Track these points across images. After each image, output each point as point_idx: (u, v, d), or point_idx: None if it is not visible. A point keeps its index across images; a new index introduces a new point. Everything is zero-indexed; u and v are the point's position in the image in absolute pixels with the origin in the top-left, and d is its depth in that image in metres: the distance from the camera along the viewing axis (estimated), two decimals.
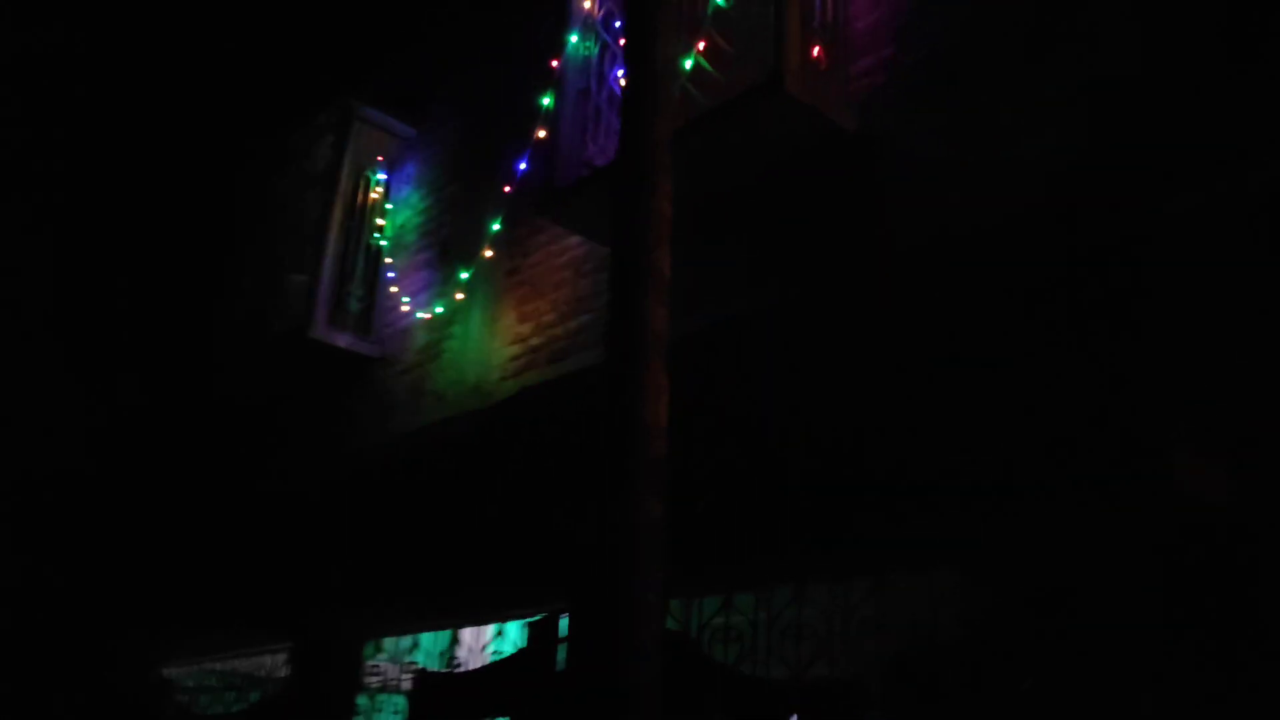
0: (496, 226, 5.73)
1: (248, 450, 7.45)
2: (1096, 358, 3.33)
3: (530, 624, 5.22)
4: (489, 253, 5.83)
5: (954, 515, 3.61)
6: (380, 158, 7.31)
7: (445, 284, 6.54)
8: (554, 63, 5.47)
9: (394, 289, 6.68)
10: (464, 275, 5.95)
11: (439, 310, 6.36)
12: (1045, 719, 3.23)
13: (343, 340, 6.80)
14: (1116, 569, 3.16)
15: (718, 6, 4.78)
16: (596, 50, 5.41)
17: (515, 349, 5.88)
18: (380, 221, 7.11)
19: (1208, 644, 2.95)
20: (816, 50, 4.52)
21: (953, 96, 4.21)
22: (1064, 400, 3.36)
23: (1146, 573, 3.05)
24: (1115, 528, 3.20)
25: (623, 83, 5.10)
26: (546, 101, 5.44)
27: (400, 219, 7.15)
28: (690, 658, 4.28)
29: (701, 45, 4.78)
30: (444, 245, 6.67)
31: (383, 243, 6.98)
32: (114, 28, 8.24)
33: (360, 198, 7.16)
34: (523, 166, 5.59)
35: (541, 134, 5.48)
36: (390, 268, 6.90)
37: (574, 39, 5.45)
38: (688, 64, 4.78)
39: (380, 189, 7.23)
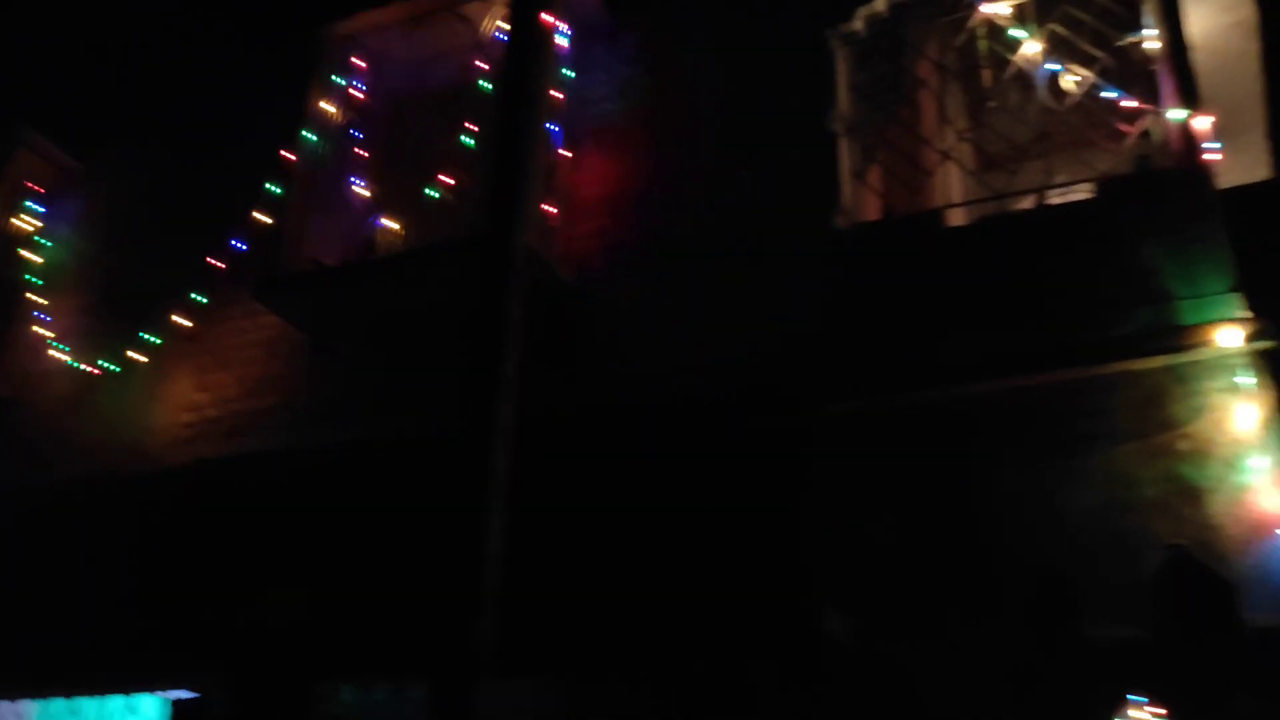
0: (204, 300, 5.74)
1: None
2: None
3: (177, 703, 5.20)
4: (189, 322, 5.80)
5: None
6: (40, 188, 6.90)
7: (104, 335, 6.31)
8: (288, 154, 5.68)
9: (49, 334, 6.32)
10: (154, 340, 5.85)
11: (96, 362, 6.13)
12: None
13: None
14: None
15: (465, 146, 5.34)
16: (333, 154, 5.71)
17: (189, 416, 5.85)
18: (30, 256, 6.68)
19: None
20: (551, 208, 5.22)
21: (656, 276, 5.08)
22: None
23: None
24: None
25: (364, 192, 5.51)
26: (275, 190, 5.64)
27: (53, 256, 6.76)
28: None
29: (451, 181, 5.31)
30: (111, 296, 6.43)
31: (37, 280, 6.57)
32: None
33: (9, 226, 6.70)
34: (241, 246, 5.69)
35: (264, 219, 5.65)
36: (37, 307, 6.49)
37: (312, 138, 5.71)
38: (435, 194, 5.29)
39: (35, 221, 6.81)
